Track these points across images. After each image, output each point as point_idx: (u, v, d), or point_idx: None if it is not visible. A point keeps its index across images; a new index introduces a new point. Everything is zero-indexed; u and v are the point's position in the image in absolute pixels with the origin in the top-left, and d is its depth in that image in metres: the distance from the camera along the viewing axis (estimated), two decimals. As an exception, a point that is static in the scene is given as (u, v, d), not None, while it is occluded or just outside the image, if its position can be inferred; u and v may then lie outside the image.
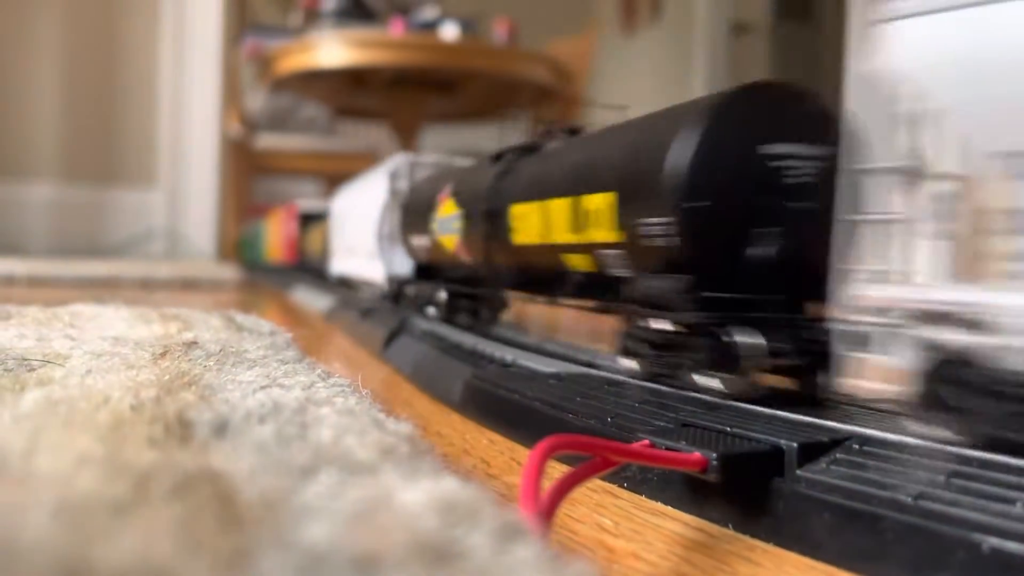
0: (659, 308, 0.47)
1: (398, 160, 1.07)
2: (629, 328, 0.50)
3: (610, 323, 0.54)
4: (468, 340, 0.71)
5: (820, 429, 0.37)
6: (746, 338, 0.42)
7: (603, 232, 0.51)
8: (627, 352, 0.51)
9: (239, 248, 2.95)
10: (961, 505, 0.28)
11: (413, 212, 0.91)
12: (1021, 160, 0.29)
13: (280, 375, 0.41)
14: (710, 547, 0.33)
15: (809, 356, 0.42)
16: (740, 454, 0.34)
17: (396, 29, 2.22)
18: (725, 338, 0.42)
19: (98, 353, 0.47)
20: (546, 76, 2.32)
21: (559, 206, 0.55)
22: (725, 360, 0.42)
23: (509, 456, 0.46)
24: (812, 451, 0.34)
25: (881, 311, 0.33)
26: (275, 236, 2.35)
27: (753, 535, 0.34)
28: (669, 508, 0.37)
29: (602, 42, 3.35)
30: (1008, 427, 0.30)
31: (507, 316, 0.85)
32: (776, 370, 0.44)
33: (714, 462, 0.33)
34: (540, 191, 0.59)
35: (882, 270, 0.34)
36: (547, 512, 0.28)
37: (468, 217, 0.72)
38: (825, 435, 0.35)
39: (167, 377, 0.39)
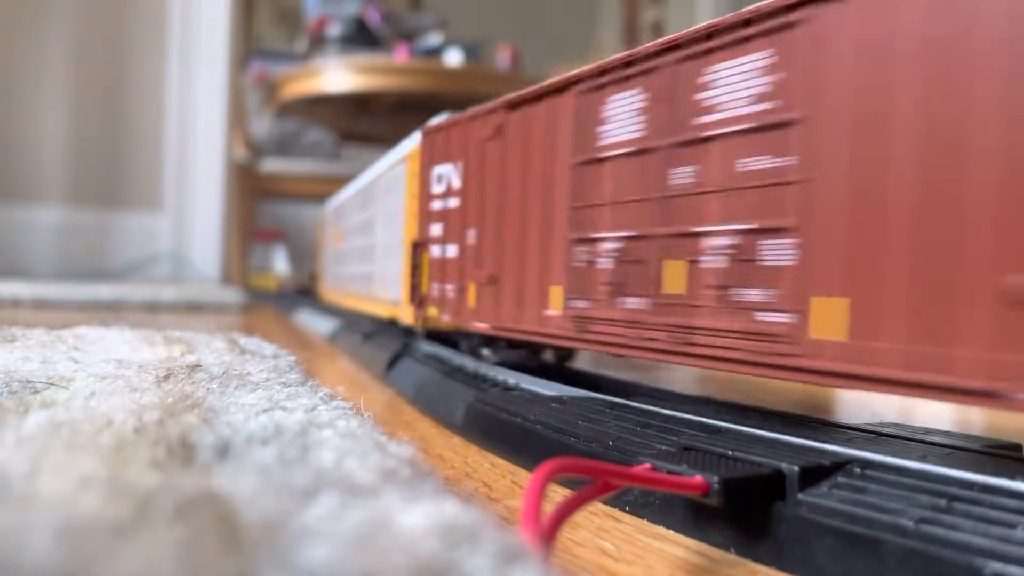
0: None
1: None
2: None
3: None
4: (470, 363, 0.71)
5: (821, 453, 0.37)
6: None
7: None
8: None
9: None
10: (962, 529, 0.28)
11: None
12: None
13: (283, 398, 0.41)
14: (712, 571, 0.33)
15: None
16: (742, 478, 0.34)
17: (401, 55, 2.24)
18: None
19: (102, 375, 0.47)
20: (549, 101, 2.33)
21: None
22: None
23: (511, 479, 0.46)
24: (814, 475, 0.34)
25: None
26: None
27: (755, 559, 0.33)
28: (671, 532, 0.37)
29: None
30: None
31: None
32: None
33: (716, 486, 0.33)
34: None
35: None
36: (548, 535, 0.28)
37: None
38: (826, 459, 0.35)
39: (170, 400, 0.40)
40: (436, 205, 0.77)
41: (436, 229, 0.77)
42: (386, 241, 1.04)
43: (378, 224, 1.11)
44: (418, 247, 0.81)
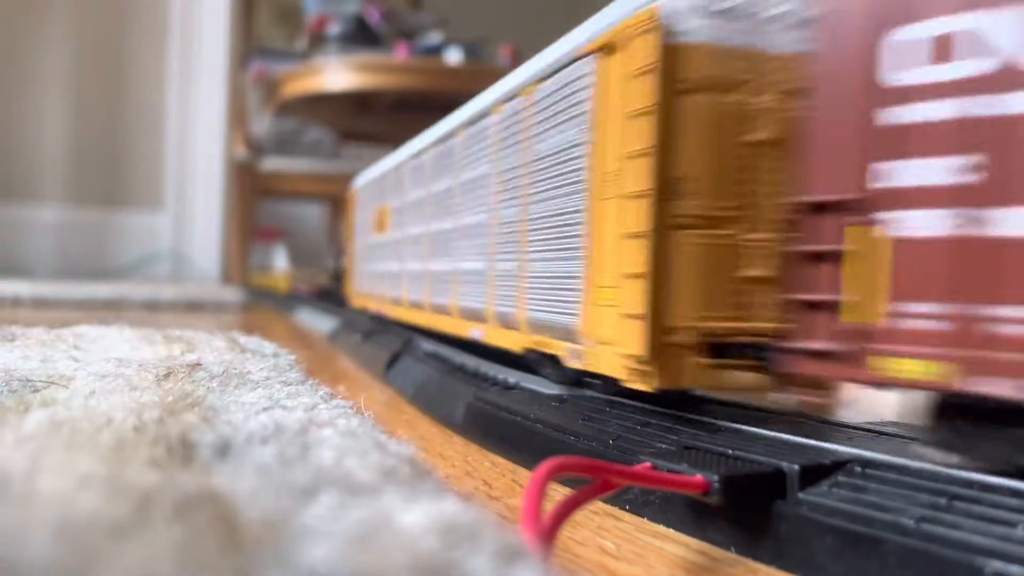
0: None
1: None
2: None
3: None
4: (470, 362, 0.71)
5: (822, 452, 0.37)
6: None
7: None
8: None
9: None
10: (963, 528, 0.28)
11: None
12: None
13: (283, 396, 0.41)
14: (713, 570, 0.33)
15: None
16: (742, 476, 0.34)
17: (401, 54, 2.24)
18: None
19: (102, 374, 0.47)
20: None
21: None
22: None
23: (511, 478, 0.46)
24: (814, 474, 0.34)
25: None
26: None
27: (756, 558, 0.33)
28: (671, 531, 0.37)
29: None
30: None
31: None
32: None
33: (716, 484, 0.33)
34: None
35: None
36: (548, 534, 0.28)
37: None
38: (827, 458, 0.35)
39: (170, 398, 0.40)
40: (917, 113, 0.33)
41: (930, 170, 0.33)
42: (522, 216, 0.60)
43: (493, 190, 0.67)
44: (828, 212, 0.36)
